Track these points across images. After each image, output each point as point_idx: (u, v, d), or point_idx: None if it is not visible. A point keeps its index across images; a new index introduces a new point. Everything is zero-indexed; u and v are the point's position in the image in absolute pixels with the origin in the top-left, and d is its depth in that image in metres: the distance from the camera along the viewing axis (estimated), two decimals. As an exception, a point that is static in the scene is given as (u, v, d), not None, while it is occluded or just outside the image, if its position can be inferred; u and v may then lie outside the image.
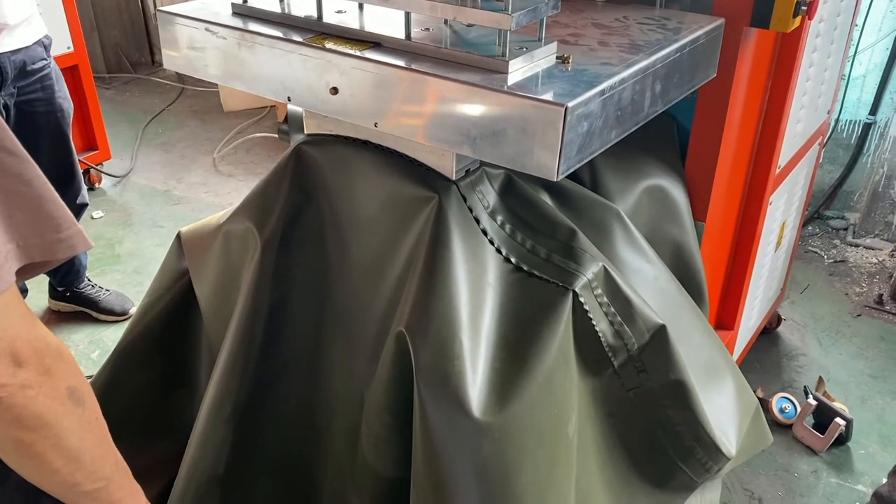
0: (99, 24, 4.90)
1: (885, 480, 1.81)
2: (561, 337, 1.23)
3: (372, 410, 1.36)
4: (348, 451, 1.46)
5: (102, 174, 3.68)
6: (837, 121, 3.18)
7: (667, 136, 1.70)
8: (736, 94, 1.55)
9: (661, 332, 1.32)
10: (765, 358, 2.54)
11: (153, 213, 3.49)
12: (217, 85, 4.40)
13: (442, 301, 1.21)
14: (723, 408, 1.50)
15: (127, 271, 3.06)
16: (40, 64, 2.23)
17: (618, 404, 1.36)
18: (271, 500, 1.53)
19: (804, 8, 1.46)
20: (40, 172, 0.75)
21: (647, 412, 1.37)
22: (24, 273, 0.77)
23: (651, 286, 1.46)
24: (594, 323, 1.27)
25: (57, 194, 0.77)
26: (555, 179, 1.05)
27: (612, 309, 1.29)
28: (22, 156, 0.73)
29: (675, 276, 1.55)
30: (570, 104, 1.01)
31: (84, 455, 0.83)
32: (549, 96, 1.04)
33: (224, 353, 1.45)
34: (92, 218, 3.41)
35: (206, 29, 1.33)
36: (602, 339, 1.29)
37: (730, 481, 2.08)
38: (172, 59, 1.41)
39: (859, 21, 2.85)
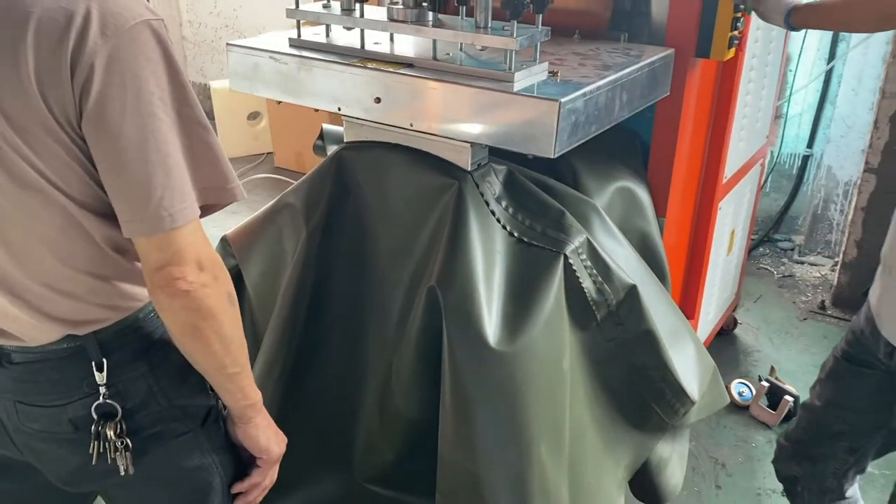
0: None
1: None
2: (556, 290, 1.57)
3: (404, 363, 1.65)
4: (377, 408, 1.75)
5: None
6: (780, 154, 3.62)
7: (632, 149, 2.08)
8: (686, 111, 1.93)
9: (633, 291, 1.65)
10: (724, 354, 2.88)
11: (165, 246, 3.77)
12: (217, 132, 4.74)
13: (463, 263, 1.54)
14: (685, 366, 1.82)
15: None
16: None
17: (601, 353, 1.69)
18: (310, 453, 1.81)
19: (736, 42, 1.86)
20: (217, 139, 1.03)
21: (624, 360, 1.70)
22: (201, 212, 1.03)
23: (624, 263, 1.80)
24: (581, 281, 1.61)
25: (226, 155, 1.04)
26: (552, 157, 1.41)
27: (595, 270, 1.63)
28: (208, 127, 1.02)
29: (643, 259, 1.90)
30: (562, 100, 1.38)
31: (233, 344, 1.08)
32: (546, 95, 1.40)
33: (273, 322, 1.75)
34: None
35: (271, 57, 1.68)
36: (587, 295, 1.62)
37: (697, 450, 2.40)
38: (239, 83, 1.76)
39: (792, 66, 3.31)
